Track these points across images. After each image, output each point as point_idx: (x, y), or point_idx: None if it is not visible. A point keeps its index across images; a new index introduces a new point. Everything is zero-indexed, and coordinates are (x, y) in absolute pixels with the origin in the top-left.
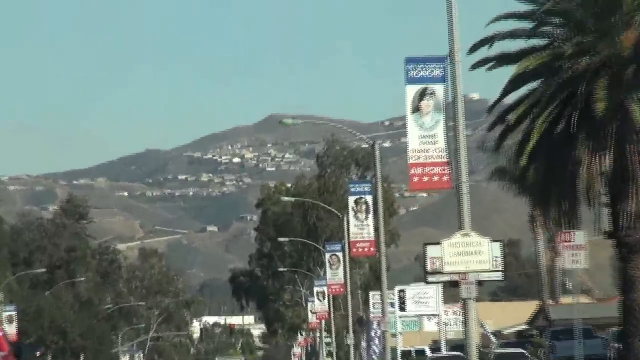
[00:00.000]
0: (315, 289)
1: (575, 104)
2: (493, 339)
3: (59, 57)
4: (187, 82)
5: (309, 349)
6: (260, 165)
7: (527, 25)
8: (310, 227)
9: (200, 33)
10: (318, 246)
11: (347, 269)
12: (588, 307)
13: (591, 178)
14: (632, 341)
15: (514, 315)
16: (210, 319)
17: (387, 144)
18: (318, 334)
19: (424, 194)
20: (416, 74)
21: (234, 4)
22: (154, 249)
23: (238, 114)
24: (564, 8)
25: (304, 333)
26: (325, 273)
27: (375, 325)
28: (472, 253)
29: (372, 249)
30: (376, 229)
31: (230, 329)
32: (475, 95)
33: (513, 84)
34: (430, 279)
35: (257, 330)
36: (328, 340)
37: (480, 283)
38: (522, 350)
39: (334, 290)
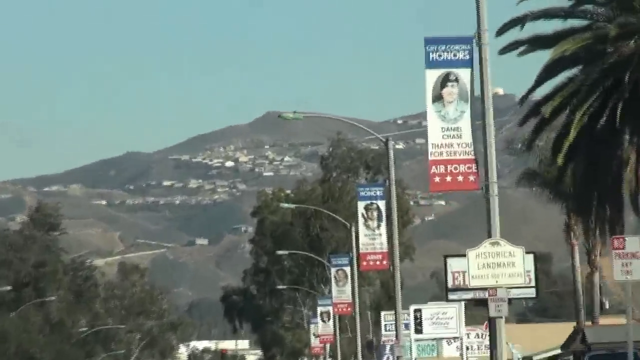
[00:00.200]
0: (319, 309)
1: (620, 93)
2: None
3: (27, 48)
4: (173, 76)
5: None
6: (257, 169)
7: (564, 3)
8: (313, 238)
9: (189, 21)
10: (322, 260)
11: (356, 285)
12: (637, 329)
13: (638, 180)
14: None
15: (546, 338)
16: (199, 344)
17: (400, 146)
18: None
19: (442, 202)
20: (438, 57)
21: None
22: (136, 265)
23: (231, 111)
24: None
25: (305, 359)
26: (330, 291)
27: (387, 350)
28: (503, 265)
29: (384, 262)
30: (389, 240)
31: (221, 355)
32: (500, 90)
33: (548, 72)
34: (451, 296)
35: (253, 356)
36: None
37: (509, 301)
38: None
39: (340, 309)
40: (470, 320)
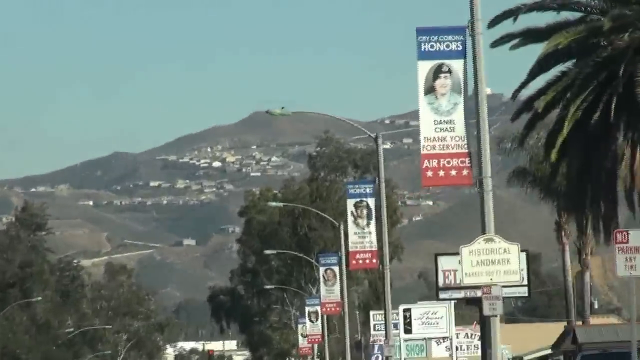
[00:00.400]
0: (307, 309)
1: (614, 88)
2: None
3: (12, 48)
4: (160, 76)
5: None
6: (244, 169)
7: None
8: (301, 238)
9: (175, 21)
10: (310, 259)
11: (345, 284)
12: (627, 329)
13: (633, 176)
14: None
15: (536, 338)
16: (186, 345)
17: (387, 146)
18: None
19: (430, 202)
20: (430, 48)
21: None
22: (123, 265)
23: (218, 111)
24: None
25: (293, 359)
26: (318, 290)
27: (376, 350)
28: (498, 262)
29: (374, 260)
30: (379, 238)
31: (209, 356)
32: (487, 90)
33: (541, 65)
34: (442, 295)
35: (240, 356)
36: None
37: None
38: None
39: (328, 309)
40: (459, 320)
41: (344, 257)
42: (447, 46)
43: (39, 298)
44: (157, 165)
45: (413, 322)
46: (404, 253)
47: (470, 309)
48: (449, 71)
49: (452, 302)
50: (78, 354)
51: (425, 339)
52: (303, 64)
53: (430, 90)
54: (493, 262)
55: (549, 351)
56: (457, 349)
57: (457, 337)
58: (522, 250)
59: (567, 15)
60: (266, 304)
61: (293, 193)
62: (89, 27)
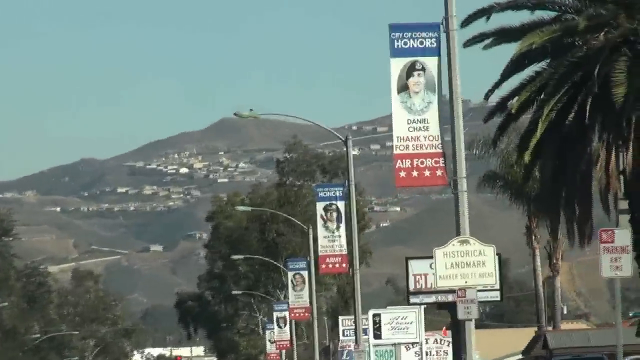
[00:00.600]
0: (275, 314)
1: (589, 88)
2: None
3: None
4: (127, 80)
5: None
6: (211, 176)
7: None
8: (269, 243)
9: (144, 26)
10: (278, 265)
11: (314, 289)
12: (598, 334)
13: (608, 177)
14: None
15: (505, 344)
16: (154, 351)
17: (355, 152)
18: None
19: (397, 208)
20: (403, 45)
21: None
22: (90, 271)
23: (185, 117)
24: None
25: None
26: (286, 296)
27: (344, 356)
28: (473, 264)
29: (344, 265)
30: (349, 241)
31: None
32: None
33: (515, 65)
34: (413, 299)
35: None
36: None
37: None
38: None
39: (297, 314)
40: (427, 326)
41: (312, 262)
42: (421, 43)
43: (5, 304)
44: (125, 171)
45: (382, 327)
46: (372, 258)
47: (439, 314)
48: (423, 69)
49: (422, 307)
50: None
51: (394, 344)
52: (271, 72)
53: (403, 88)
54: (468, 265)
55: (519, 357)
56: (426, 354)
57: (427, 343)
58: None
59: (541, 14)
60: (233, 310)
61: (261, 198)
62: (59, 33)
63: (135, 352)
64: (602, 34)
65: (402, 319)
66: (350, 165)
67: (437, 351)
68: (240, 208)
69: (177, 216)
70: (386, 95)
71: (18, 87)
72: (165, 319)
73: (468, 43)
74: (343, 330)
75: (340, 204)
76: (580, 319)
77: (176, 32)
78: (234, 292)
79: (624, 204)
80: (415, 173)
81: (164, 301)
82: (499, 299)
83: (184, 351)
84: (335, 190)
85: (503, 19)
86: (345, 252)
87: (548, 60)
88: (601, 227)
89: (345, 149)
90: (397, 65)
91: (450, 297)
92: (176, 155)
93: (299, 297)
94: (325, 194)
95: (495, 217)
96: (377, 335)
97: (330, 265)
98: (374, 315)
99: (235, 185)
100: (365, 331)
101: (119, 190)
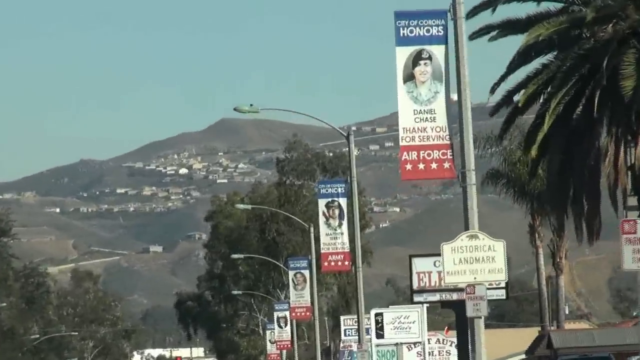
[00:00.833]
0: (276, 314)
1: (598, 81)
2: None
3: None
4: (126, 81)
5: None
6: (211, 177)
7: None
8: (269, 243)
9: (143, 27)
10: (279, 264)
11: (315, 288)
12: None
13: (616, 173)
14: None
15: (508, 344)
16: (153, 352)
17: (354, 152)
18: None
19: (397, 209)
20: (409, 33)
21: None
22: (89, 272)
23: (185, 118)
24: None
25: None
26: (286, 296)
27: (346, 356)
28: (482, 260)
29: (346, 263)
30: (351, 239)
31: None
32: (454, 96)
33: (521, 58)
34: (417, 298)
35: None
36: None
37: None
38: None
39: (298, 314)
40: (428, 326)
41: (314, 261)
42: (428, 31)
43: (4, 304)
44: (124, 172)
45: (385, 326)
46: (372, 258)
47: (440, 314)
48: (430, 57)
49: (425, 306)
50: None
51: (397, 344)
52: (271, 72)
53: (409, 77)
54: (477, 260)
55: (523, 356)
56: (429, 354)
57: (429, 343)
58: None
59: (548, 5)
60: (233, 310)
61: (261, 197)
62: (59, 33)
63: (135, 353)
64: (610, 25)
65: (404, 318)
66: (352, 161)
67: (439, 351)
68: (241, 206)
69: (177, 217)
70: (386, 96)
71: (18, 87)
72: (165, 320)
73: (474, 35)
74: (344, 330)
75: (342, 201)
76: (582, 319)
77: (176, 34)
78: (234, 292)
79: (632, 200)
80: (421, 165)
81: (163, 302)
82: (504, 297)
83: (183, 352)
84: (338, 187)
85: (509, 10)
86: (347, 249)
87: (555, 53)
88: (608, 225)
89: (346, 147)
90: (403, 54)
91: (454, 296)
92: (175, 156)
93: (300, 296)
94: (327, 190)
95: (495, 218)
96: (380, 335)
97: (332, 263)
98: (377, 315)
99: (234, 185)
100: (367, 331)
101: (119, 191)
